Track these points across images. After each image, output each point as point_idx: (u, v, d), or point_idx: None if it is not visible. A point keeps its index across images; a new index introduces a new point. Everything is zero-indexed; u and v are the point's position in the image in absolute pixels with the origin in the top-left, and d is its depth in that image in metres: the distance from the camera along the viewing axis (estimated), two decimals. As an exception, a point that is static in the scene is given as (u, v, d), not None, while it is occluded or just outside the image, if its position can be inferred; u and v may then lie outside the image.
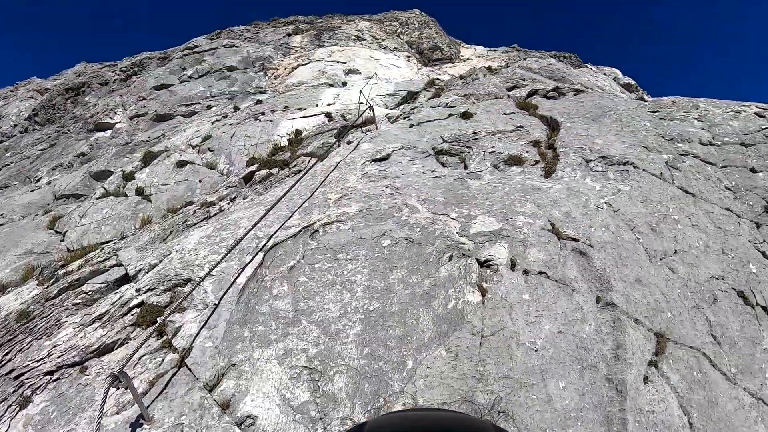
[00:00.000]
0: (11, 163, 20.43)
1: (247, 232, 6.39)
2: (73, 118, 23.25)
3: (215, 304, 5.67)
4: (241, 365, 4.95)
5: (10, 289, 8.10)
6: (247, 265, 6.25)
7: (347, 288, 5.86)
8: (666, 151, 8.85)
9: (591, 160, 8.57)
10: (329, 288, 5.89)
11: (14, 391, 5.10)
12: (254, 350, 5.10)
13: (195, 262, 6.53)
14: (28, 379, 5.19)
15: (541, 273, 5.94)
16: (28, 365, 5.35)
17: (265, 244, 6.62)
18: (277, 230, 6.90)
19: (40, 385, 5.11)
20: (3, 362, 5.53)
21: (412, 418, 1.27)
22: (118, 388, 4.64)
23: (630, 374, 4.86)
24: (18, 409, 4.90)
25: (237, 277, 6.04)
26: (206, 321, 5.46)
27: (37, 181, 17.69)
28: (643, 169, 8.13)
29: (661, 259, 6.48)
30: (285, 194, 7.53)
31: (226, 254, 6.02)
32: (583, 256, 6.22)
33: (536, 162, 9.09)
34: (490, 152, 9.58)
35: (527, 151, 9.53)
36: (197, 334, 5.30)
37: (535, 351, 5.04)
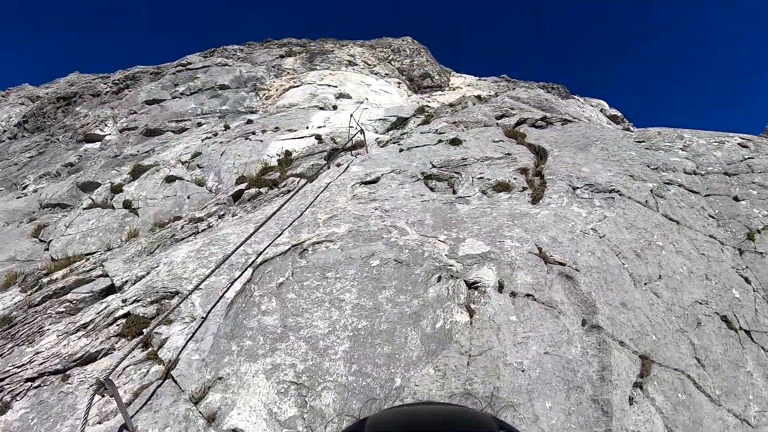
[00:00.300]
0: (-2, 168, 20.37)
1: (237, 248, 6.44)
2: (63, 128, 23.22)
3: (203, 317, 5.67)
4: (228, 379, 4.94)
5: (-6, 295, 8.02)
6: (236, 280, 6.27)
7: (336, 306, 5.90)
8: (651, 180, 9.08)
9: (578, 188, 8.76)
10: (318, 305, 5.92)
11: (-7, 397, 5.05)
12: (242, 364, 5.10)
13: (183, 275, 6.54)
14: (7, 384, 5.13)
15: (528, 295, 6.03)
16: (8, 371, 5.29)
17: (254, 260, 6.66)
18: (266, 247, 6.95)
19: (21, 392, 5.06)
20: (-18, 368, 5.47)
21: (414, 413, 1.26)
22: (103, 396, 4.62)
23: (616, 395, 4.93)
24: (-3, 414, 4.85)
25: (225, 292, 6.05)
26: (193, 334, 5.45)
27: (24, 188, 17.60)
28: (629, 197, 8.33)
29: (645, 284, 6.62)
30: (276, 212, 7.60)
31: (216, 268, 6.06)
32: (569, 280, 6.33)
33: (524, 188, 9.26)
34: (478, 178, 9.74)
35: (515, 178, 9.70)
36: (184, 347, 5.29)
37: (522, 371, 5.10)
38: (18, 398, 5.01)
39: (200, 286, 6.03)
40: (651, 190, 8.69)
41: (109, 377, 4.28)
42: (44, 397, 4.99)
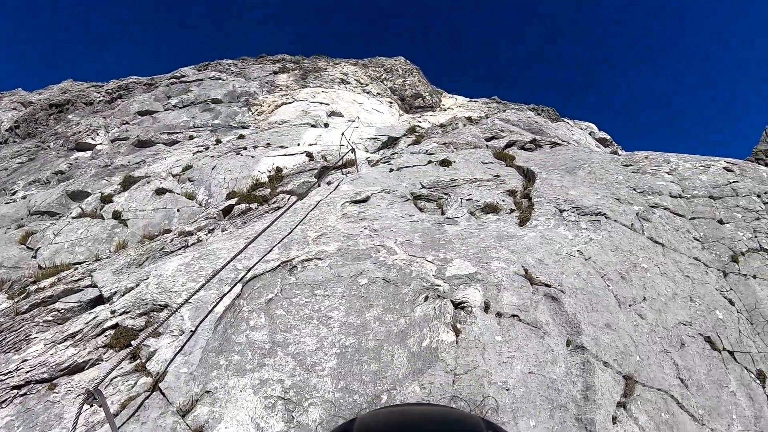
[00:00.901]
0: (-13, 173, 20.28)
1: (228, 263, 6.50)
2: (55, 135, 23.20)
3: (192, 330, 5.71)
4: (216, 392, 4.98)
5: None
6: (225, 295, 6.33)
7: (324, 323, 5.97)
8: (637, 203, 9.27)
9: (564, 210, 8.92)
10: (306, 322, 5.99)
11: (-23, 403, 5.03)
12: (229, 378, 5.14)
13: (173, 288, 6.59)
14: None
15: (513, 316, 6.13)
16: None
17: (243, 276, 6.72)
18: (256, 263, 7.02)
19: (6, 399, 5.06)
20: (-34, 374, 5.44)
21: (402, 413, 1.30)
22: (91, 406, 4.65)
23: (599, 414, 5.02)
24: (-18, 420, 4.84)
25: (215, 306, 6.10)
26: (182, 347, 5.49)
27: (13, 194, 17.53)
28: (615, 220, 8.50)
29: (630, 306, 6.75)
30: (266, 228, 7.70)
31: (206, 282, 6.11)
32: (554, 301, 6.45)
33: (512, 210, 9.41)
34: (467, 199, 9.89)
35: (503, 200, 9.86)
36: (172, 360, 5.33)
37: (507, 390, 5.18)
38: (3, 405, 5.01)
39: (190, 300, 6.08)
40: (637, 213, 8.88)
41: (98, 388, 4.32)
42: (30, 406, 5.00)
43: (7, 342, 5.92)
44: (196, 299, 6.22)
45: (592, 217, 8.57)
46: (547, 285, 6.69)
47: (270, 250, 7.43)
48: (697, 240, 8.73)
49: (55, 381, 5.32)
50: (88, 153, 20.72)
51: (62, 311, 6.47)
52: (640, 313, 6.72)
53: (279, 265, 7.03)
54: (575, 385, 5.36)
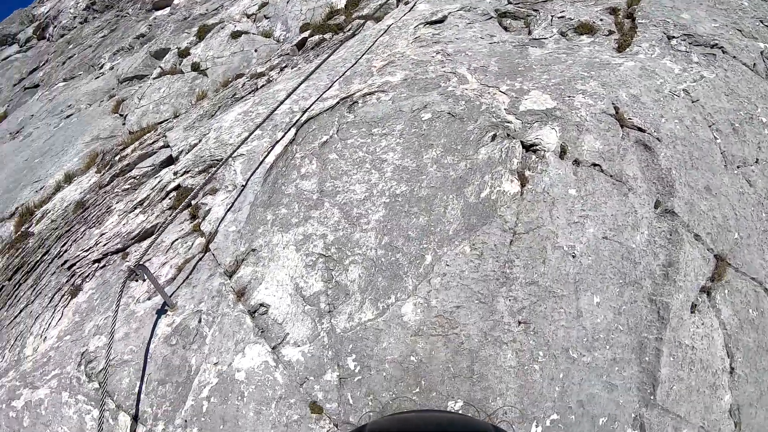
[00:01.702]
0: (74, 54, 19.96)
1: (278, 106, 5.64)
2: (131, 0, 22.09)
3: (243, 185, 5.17)
4: (260, 251, 4.57)
5: (75, 179, 7.91)
6: (278, 141, 5.58)
7: (377, 167, 5.14)
8: (763, 39, 7.15)
9: (674, 37, 7.05)
10: (358, 167, 5.19)
11: (67, 281, 5.04)
12: (274, 235, 4.68)
13: (229, 140, 5.91)
14: (79, 268, 5.10)
15: (594, 165, 4.92)
16: (79, 255, 5.25)
17: (299, 119, 5.88)
18: (312, 103, 6.11)
19: (89, 274, 5.03)
20: (60, 253, 5.43)
21: (412, 421, 1.46)
22: (136, 281, 4.47)
23: (677, 299, 4.04)
24: (70, 297, 4.87)
25: (266, 156, 5.42)
26: (233, 203, 5.03)
27: (101, 68, 17.24)
28: (734, 56, 6.59)
29: (738, 167, 5.24)
30: (321, 64, 6.61)
31: (254, 130, 5.39)
32: (647, 151, 5.09)
33: (610, 32, 7.62)
34: (559, 17, 8.12)
35: (601, 19, 8.00)
36: (223, 218, 4.93)
37: (573, 257, 4.28)
38: (87, 280, 4.99)
39: (243, 152, 5.48)
40: (761, 52, 6.77)
41: (140, 263, 3.98)
42: (107, 277, 4.93)
43: (92, 217, 5.78)
44: (249, 150, 5.54)
45: (706, 50, 6.70)
46: (640, 129, 5.25)
47: (329, 87, 6.42)
48: (835, 94, 6.75)
49: (127, 250, 5.18)
50: (167, 10, 19.65)
51: (138, 177, 6.15)
52: (749, 178, 5.22)
53: (338, 103, 6.04)
54: (657, 258, 4.33)
